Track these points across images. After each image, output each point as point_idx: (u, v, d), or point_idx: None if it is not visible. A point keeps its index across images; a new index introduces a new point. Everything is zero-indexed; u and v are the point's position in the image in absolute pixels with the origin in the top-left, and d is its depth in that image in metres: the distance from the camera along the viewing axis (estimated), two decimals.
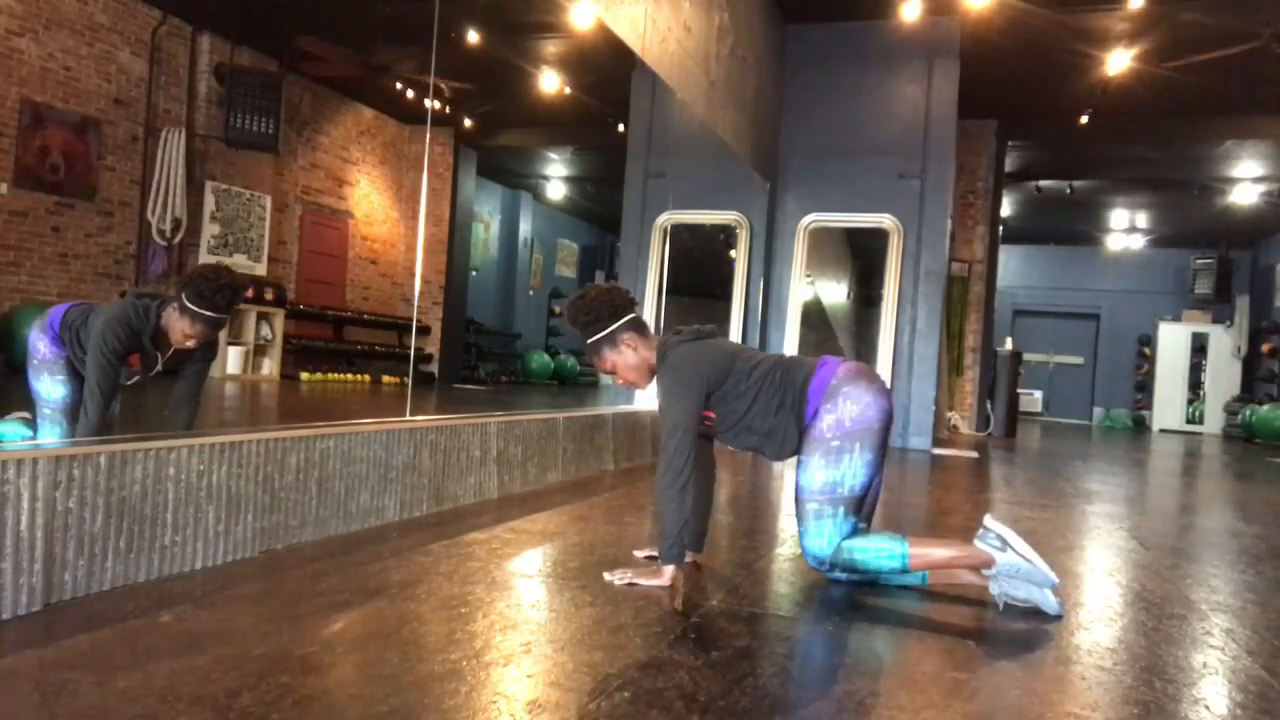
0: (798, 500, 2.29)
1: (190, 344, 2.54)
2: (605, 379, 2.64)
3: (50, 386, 2.59)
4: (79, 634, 1.64)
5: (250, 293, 7.01)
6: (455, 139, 10.35)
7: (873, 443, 2.24)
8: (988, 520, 2.23)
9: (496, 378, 11.98)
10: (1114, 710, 1.57)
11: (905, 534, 2.28)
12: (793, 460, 2.35)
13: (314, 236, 8.82)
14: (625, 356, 2.35)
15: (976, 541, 2.21)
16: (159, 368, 2.62)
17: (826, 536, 2.24)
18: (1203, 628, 2.16)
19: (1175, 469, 7.63)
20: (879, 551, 2.23)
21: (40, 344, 2.59)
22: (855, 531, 2.27)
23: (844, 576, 2.30)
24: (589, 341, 2.36)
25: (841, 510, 2.23)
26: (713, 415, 2.31)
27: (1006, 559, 2.16)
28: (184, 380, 2.68)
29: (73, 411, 2.57)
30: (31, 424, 2.71)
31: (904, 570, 2.23)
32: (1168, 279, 15.75)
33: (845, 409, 2.23)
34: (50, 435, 2.58)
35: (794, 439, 2.30)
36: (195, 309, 2.47)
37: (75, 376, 2.58)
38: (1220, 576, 2.82)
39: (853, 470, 2.22)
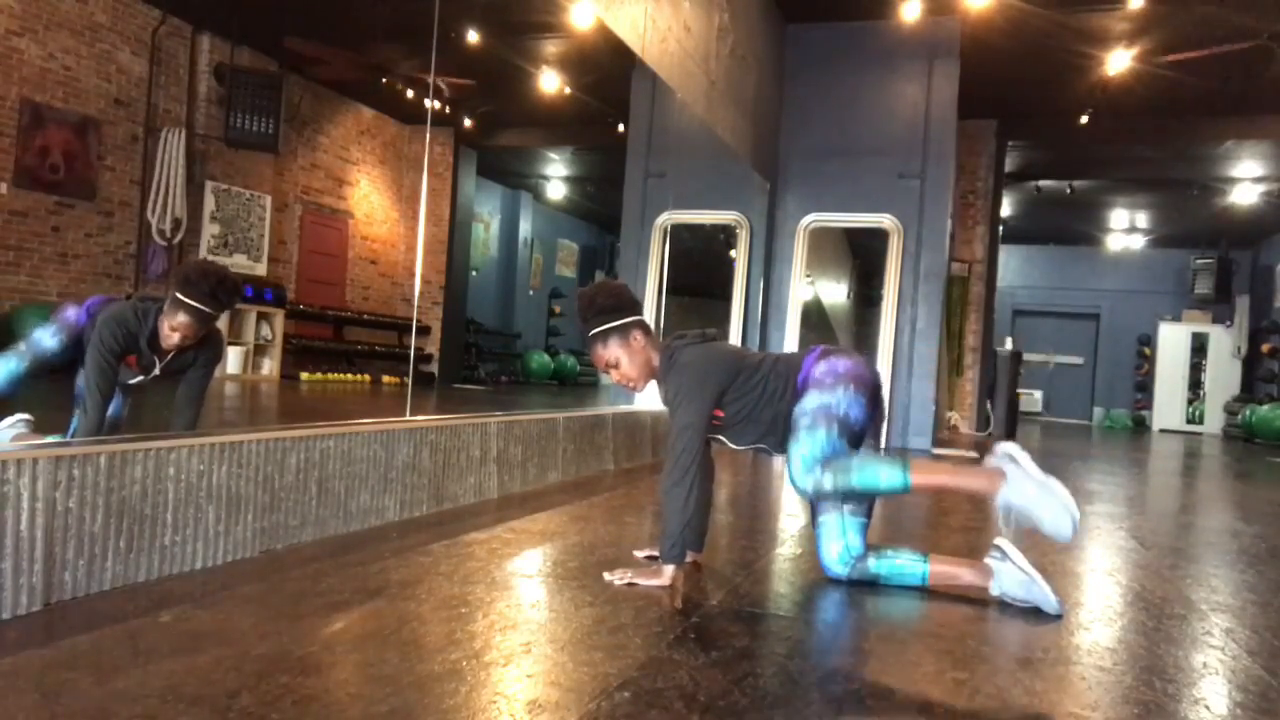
0: (792, 427, 2.22)
1: (175, 338, 2.50)
2: (605, 378, 2.63)
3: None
4: (79, 634, 1.64)
5: (250, 294, 7.02)
6: (455, 139, 10.33)
7: (863, 389, 2.24)
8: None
9: (496, 378, 11.97)
10: (1114, 710, 1.57)
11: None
12: None
13: (314, 236, 8.82)
14: (633, 351, 2.34)
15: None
16: (157, 371, 2.61)
17: (813, 459, 2.13)
18: (1203, 628, 2.16)
19: (1175, 469, 7.63)
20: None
21: (76, 319, 2.64)
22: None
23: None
24: (602, 329, 2.32)
25: (835, 429, 2.16)
26: (722, 413, 2.32)
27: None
28: (187, 382, 2.67)
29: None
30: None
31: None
32: (1168, 279, 15.74)
33: (835, 362, 2.27)
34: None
35: None
36: (182, 298, 2.46)
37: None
38: (1220, 576, 2.82)
39: (847, 400, 2.20)
